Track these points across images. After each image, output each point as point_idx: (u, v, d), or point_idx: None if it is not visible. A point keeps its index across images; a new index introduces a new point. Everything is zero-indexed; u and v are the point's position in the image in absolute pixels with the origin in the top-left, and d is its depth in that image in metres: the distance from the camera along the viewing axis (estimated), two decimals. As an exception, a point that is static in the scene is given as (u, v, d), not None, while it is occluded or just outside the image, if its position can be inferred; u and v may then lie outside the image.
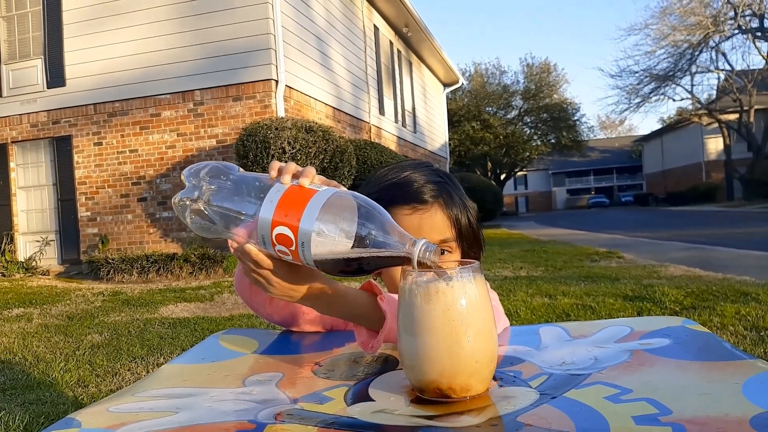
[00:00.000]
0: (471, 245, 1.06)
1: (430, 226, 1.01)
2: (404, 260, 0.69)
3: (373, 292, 0.83)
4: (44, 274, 8.87)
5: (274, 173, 0.75)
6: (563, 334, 0.90)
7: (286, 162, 0.76)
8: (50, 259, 9.29)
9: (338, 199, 0.71)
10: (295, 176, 0.74)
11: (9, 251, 9.16)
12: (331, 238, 0.69)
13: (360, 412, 0.64)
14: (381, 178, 1.08)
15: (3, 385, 3.10)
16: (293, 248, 0.70)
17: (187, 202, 0.78)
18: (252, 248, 0.74)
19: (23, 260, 9.12)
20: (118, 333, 4.31)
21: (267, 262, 0.74)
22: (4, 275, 8.63)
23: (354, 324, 0.84)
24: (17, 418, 2.51)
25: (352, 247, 0.69)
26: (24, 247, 9.48)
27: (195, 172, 0.79)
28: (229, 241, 0.78)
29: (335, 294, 0.81)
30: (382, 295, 0.82)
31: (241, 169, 0.79)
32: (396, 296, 0.84)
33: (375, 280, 1.01)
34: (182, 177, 0.80)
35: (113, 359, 3.54)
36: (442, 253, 1.01)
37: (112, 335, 4.26)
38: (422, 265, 0.68)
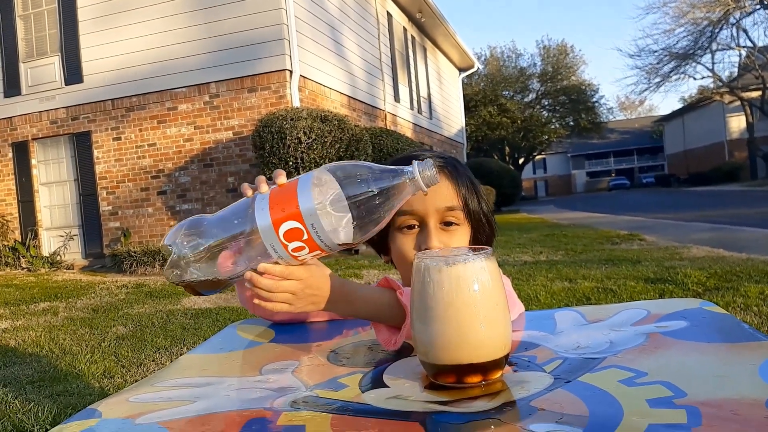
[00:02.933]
0: (482, 229, 1.05)
1: (435, 192, 1.00)
2: (408, 190, 0.72)
3: (392, 288, 0.83)
4: (69, 269, 9.02)
5: (249, 191, 0.76)
6: (579, 318, 0.89)
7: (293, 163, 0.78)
8: (74, 254, 9.44)
9: (322, 173, 0.72)
10: (269, 184, 0.75)
11: (34, 246, 9.33)
12: (334, 206, 0.69)
13: (374, 398, 0.64)
14: (391, 159, 1.11)
15: (31, 378, 3.17)
16: (306, 237, 0.70)
17: (179, 271, 0.77)
18: (268, 265, 0.74)
19: (48, 255, 9.29)
20: (142, 324, 4.38)
21: (287, 271, 0.75)
22: (29, 270, 8.80)
23: (373, 323, 0.84)
24: (46, 409, 2.58)
25: (357, 205, 0.69)
26: (48, 242, 9.65)
27: (173, 235, 0.78)
28: (237, 284, 0.78)
29: (354, 292, 0.82)
30: (401, 289, 0.82)
31: (206, 214, 0.80)
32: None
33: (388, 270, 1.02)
34: (164, 246, 0.79)
35: (138, 350, 3.60)
36: (449, 225, 1.00)
37: (136, 327, 4.33)
38: (430, 185, 0.72)
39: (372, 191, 0.70)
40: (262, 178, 0.77)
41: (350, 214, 0.70)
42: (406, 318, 0.79)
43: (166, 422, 0.61)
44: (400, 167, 0.73)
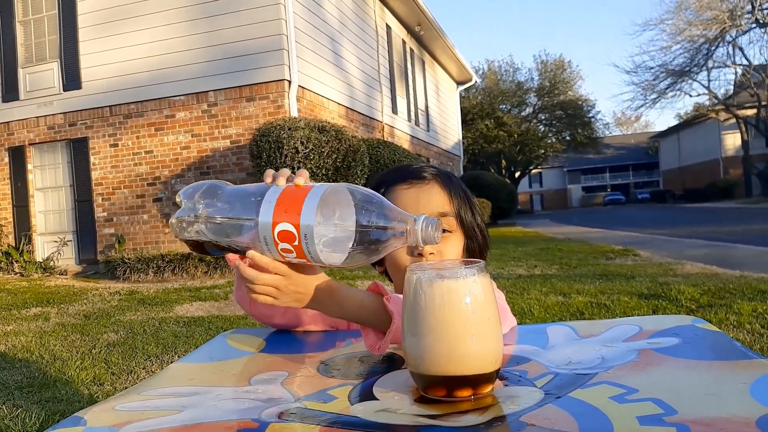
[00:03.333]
0: (474, 239, 1.06)
1: (428, 199, 1.03)
2: (408, 239, 0.70)
3: (380, 293, 0.83)
4: (62, 274, 8.98)
5: (269, 179, 0.77)
6: (571, 333, 0.89)
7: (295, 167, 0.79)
8: (68, 259, 9.40)
9: (334, 192, 0.73)
10: (289, 180, 0.76)
11: (27, 251, 9.28)
12: (331, 227, 0.70)
13: (363, 411, 0.64)
14: (385, 170, 1.13)
15: (20, 383, 3.14)
16: (296, 243, 0.71)
17: (184, 224, 0.79)
18: (255, 253, 0.75)
19: (41, 260, 9.24)
20: (134, 332, 4.35)
21: (272, 265, 0.75)
22: (22, 275, 8.75)
23: (361, 326, 0.84)
24: (33, 415, 2.55)
25: (355, 233, 0.70)
26: (42, 248, 9.61)
27: (191, 192, 0.81)
28: (228, 257, 0.79)
29: (342, 295, 0.82)
30: (389, 295, 0.82)
31: (230, 184, 0.81)
32: (401, 296, 0.85)
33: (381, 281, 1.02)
34: (178, 198, 0.82)
35: (129, 358, 3.57)
36: (442, 231, 1.01)
37: (127, 334, 4.30)
38: (427, 242, 0.70)
39: (373, 229, 0.71)
40: (286, 171, 0.77)
41: (341, 243, 0.71)
42: (391, 324, 0.79)
43: (151, 431, 0.61)
44: (409, 215, 0.73)
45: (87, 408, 0.70)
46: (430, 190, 1.04)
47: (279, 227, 0.71)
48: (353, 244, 0.71)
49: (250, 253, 0.76)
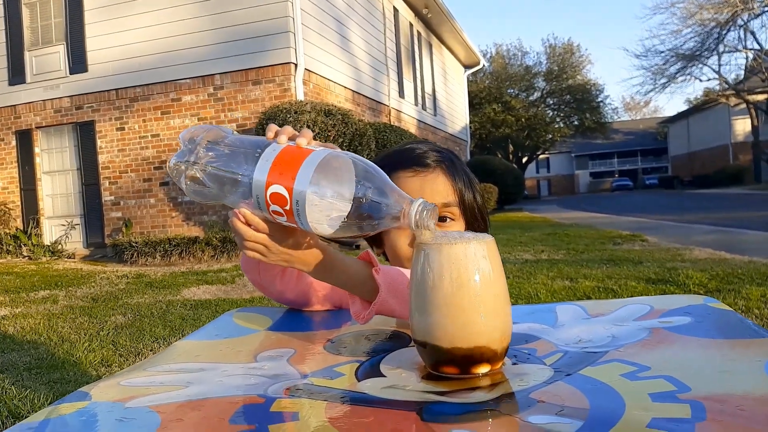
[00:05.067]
0: (476, 224, 1.06)
1: (432, 189, 1.02)
2: (402, 220, 0.68)
3: (370, 263, 0.82)
4: (70, 257, 9.03)
5: (270, 134, 0.74)
6: (581, 312, 0.88)
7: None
8: (75, 243, 9.45)
9: (334, 159, 0.69)
10: (292, 138, 0.73)
11: (35, 235, 9.33)
12: (326, 196, 0.67)
13: (370, 387, 0.63)
14: (385, 150, 1.11)
15: (29, 365, 3.17)
16: (288, 207, 0.68)
17: (182, 167, 0.76)
18: (246, 210, 0.73)
19: (49, 244, 9.29)
20: (141, 314, 4.37)
21: (262, 225, 0.74)
22: (30, 258, 8.81)
23: (348, 293, 0.84)
24: (42, 395, 2.57)
25: (349, 206, 0.67)
26: (50, 231, 9.65)
27: (191, 135, 0.77)
28: (230, 214, 0.77)
29: (331, 260, 0.80)
30: (378, 267, 0.82)
31: (236, 132, 0.78)
32: (391, 268, 0.84)
33: (373, 251, 1.01)
34: (178, 139, 0.79)
35: (136, 340, 3.59)
36: (444, 220, 1.02)
37: (135, 316, 4.32)
38: (419, 227, 0.67)
39: (369, 203, 0.68)
40: (289, 129, 0.74)
41: (334, 214, 0.68)
42: (377, 296, 0.79)
43: (156, 406, 0.60)
44: (407, 196, 0.69)
45: (93, 383, 0.70)
46: (434, 179, 1.03)
47: (272, 189, 0.68)
48: (346, 217, 0.68)
49: (243, 211, 0.73)
